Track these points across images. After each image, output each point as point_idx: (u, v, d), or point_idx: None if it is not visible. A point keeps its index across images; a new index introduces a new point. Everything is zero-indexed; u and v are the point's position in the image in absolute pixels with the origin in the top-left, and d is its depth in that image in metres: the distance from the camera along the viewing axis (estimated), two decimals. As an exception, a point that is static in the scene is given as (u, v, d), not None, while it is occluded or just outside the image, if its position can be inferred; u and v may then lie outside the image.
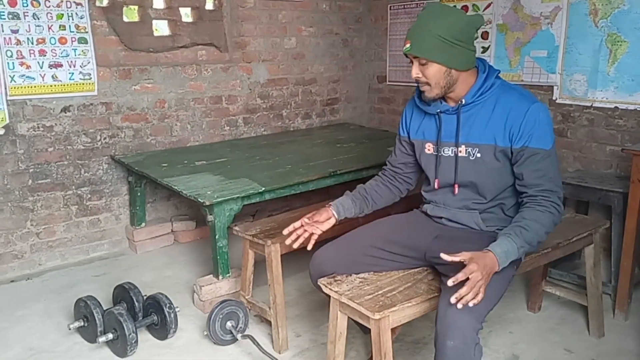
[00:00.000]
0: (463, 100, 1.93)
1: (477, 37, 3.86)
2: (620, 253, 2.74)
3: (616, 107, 3.23)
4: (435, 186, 2.07)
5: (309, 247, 2.08)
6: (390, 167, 2.28)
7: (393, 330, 1.89)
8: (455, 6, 3.97)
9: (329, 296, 1.98)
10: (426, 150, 2.08)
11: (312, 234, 2.08)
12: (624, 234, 2.70)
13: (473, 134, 1.93)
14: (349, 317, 1.97)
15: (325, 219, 2.10)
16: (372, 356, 1.98)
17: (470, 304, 1.58)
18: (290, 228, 2.08)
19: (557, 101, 3.51)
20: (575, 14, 3.33)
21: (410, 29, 1.89)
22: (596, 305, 2.59)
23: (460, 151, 1.96)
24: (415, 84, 2.05)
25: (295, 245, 2.08)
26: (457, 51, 1.85)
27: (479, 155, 1.93)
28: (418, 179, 2.29)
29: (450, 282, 1.60)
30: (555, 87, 3.50)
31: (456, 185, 2.01)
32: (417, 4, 4.34)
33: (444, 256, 1.68)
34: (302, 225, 2.07)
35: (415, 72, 1.91)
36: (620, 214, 2.83)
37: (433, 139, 2.05)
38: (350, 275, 2.03)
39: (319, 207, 2.97)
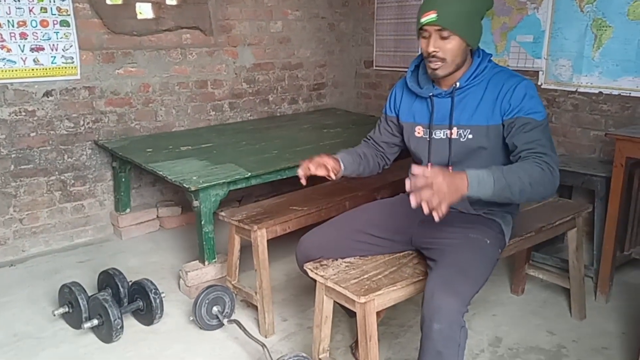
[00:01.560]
0: (457, 84, 1.92)
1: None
2: (603, 237, 2.78)
3: (600, 92, 3.25)
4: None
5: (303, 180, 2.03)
6: (372, 142, 2.28)
7: (378, 313, 1.90)
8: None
9: (315, 280, 1.99)
10: (416, 134, 2.06)
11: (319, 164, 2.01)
12: (606, 218, 2.74)
13: (464, 116, 1.93)
14: (334, 301, 1.98)
15: (333, 166, 2.03)
16: (357, 339, 1.99)
17: (435, 217, 1.51)
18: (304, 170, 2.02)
19: (542, 86, 3.52)
20: (561, -1, 3.34)
21: (429, 1, 1.82)
22: (578, 288, 2.63)
23: (452, 133, 1.96)
24: (414, 61, 2.04)
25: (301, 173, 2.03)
26: (477, 27, 1.86)
27: (470, 136, 1.93)
28: (394, 160, 2.30)
29: (407, 185, 1.53)
30: (540, 72, 3.51)
31: (450, 168, 1.97)
32: (403, -12, 4.31)
33: (414, 168, 1.55)
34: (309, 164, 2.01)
35: (434, 46, 1.83)
36: (603, 198, 2.86)
37: (424, 122, 2.03)
38: (337, 259, 2.04)
39: (305, 192, 2.99)
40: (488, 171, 1.63)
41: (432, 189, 1.49)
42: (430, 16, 1.80)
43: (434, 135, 2.00)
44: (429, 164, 1.98)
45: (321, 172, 2.01)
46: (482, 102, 1.90)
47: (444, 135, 1.98)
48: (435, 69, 1.88)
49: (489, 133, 1.90)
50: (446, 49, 1.83)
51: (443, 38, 1.82)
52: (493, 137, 1.91)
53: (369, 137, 2.30)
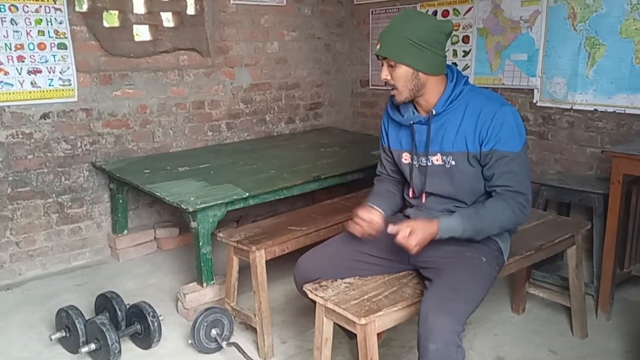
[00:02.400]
0: (433, 111, 1.94)
1: (453, 43, 3.91)
2: (602, 254, 2.77)
3: (595, 109, 3.27)
4: (410, 194, 2.11)
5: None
6: (385, 175, 2.28)
7: (379, 334, 1.89)
8: (435, 11, 4.04)
9: (315, 302, 1.97)
10: (403, 160, 2.10)
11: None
12: (605, 235, 2.73)
13: (446, 143, 1.94)
14: (334, 323, 1.96)
15: (378, 219, 1.99)
16: (358, 361, 1.97)
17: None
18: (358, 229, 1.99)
19: (537, 104, 3.54)
20: (554, 18, 3.37)
21: (382, 32, 1.93)
22: (579, 306, 2.61)
23: (437, 160, 1.97)
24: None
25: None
26: (424, 54, 1.87)
27: (453, 162, 1.94)
28: None
29: (389, 228, 1.81)
30: (535, 90, 3.54)
31: (424, 194, 2.03)
32: (398, 8, 4.36)
33: (390, 229, 1.82)
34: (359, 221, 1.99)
35: (385, 73, 1.93)
36: (601, 215, 2.86)
37: (409, 149, 2.07)
38: (336, 280, 2.03)
39: (304, 212, 2.99)
40: (459, 223, 1.85)
41: (407, 235, 1.79)
42: (377, 47, 1.92)
43: (419, 162, 2.03)
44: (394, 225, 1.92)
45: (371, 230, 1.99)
46: (462, 127, 1.91)
47: (424, 162, 2.00)
48: (392, 95, 1.97)
49: (470, 159, 1.92)
50: (395, 76, 1.91)
51: (391, 66, 1.90)
52: (475, 163, 1.93)
53: (379, 173, 2.31)
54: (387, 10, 4.47)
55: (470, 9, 3.83)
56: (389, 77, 1.92)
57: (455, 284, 1.75)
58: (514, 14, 3.57)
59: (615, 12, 3.10)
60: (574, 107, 3.37)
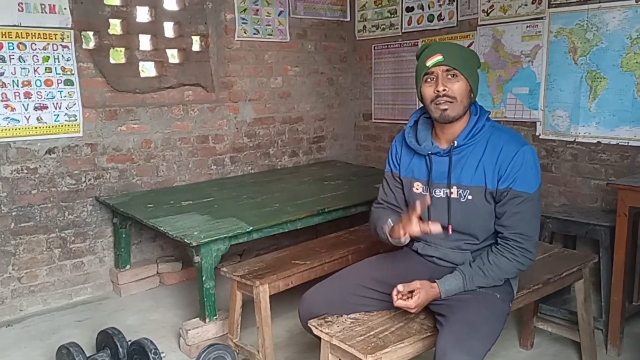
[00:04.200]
0: (455, 142, 1.93)
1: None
2: (610, 287, 2.73)
3: (599, 141, 3.28)
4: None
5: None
6: (387, 205, 2.18)
7: (386, 372, 1.85)
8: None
9: (320, 338, 1.94)
10: (414, 190, 2.06)
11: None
12: (613, 268, 2.70)
13: (464, 176, 1.93)
14: (340, 359, 1.92)
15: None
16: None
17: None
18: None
19: (540, 137, 3.56)
20: (555, 52, 3.42)
21: (433, 49, 1.90)
22: (589, 341, 2.57)
23: (452, 192, 1.95)
24: (412, 116, 2.08)
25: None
26: (477, 77, 1.92)
27: (470, 197, 1.92)
28: None
29: (395, 295, 1.84)
30: (538, 123, 3.56)
31: (450, 227, 1.98)
32: (400, 44, 4.43)
33: (399, 287, 1.84)
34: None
35: (443, 85, 1.86)
36: (608, 248, 2.84)
37: (423, 179, 2.03)
38: (341, 315, 2.00)
39: (308, 246, 2.97)
40: (460, 283, 1.88)
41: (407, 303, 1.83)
42: (437, 58, 1.86)
43: (434, 194, 1.99)
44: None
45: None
46: (482, 163, 1.90)
47: (443, 194, 1.98)
48: (445, 109, 1.88)
49: (487, 195, 1.91)
50: (454, 88, 1.87)
51: (450, 78, 1.86)
52: (491, 200, 1.92)
53: (380, 201, 2.21)
54: (389, 46, 4.54)
55: (471, 44, 3.88)
56: (447, 89, 1.86)
57: (472, 321, 1.73)
58: (515, 48, 3.62)
59: (616, 46, 3.14)
60: (577, 140, 3.38)
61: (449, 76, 1.86)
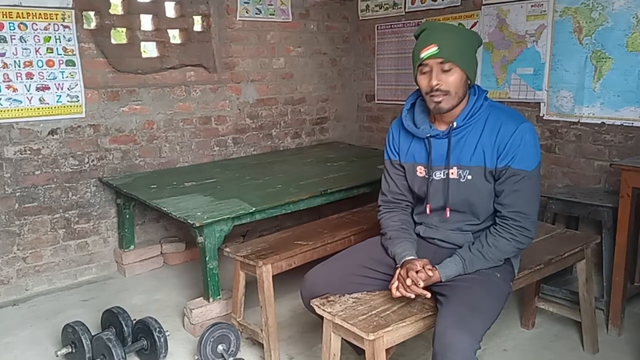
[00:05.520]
0: (454, 124, 1.91)
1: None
2: (612, 268, 2.74)
3: (603, 122, 3.26)
4: (428, 211, 2.04)
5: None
6: (392, 197, 2.15)
7: (387, 350, 1.86)
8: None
9: (322, 317, 1.96)
10: (418, 174, 2.04)
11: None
12: (615, 249, 2.71)
13: (463, 156, 1.92)
14: (342, 338, 1.94)
15: (421, 266, 1.87)
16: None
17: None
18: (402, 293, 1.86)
19: (544, 117, 3.54)
20: (560, 32, 3.38)
21: (428, 36, 1.84)
22: (590, 321, 2.58)
23: (452, 173, 1.94)
24: (408, 100, 2.05)
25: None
26: (473, 61, 1.88)
27: (469, 177, 1.92)
28: None
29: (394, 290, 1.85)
30: (542, 104, 3.53)
31: (448, 209, 1.98)
32: (403, 23, 4.39)
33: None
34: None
35: (437, 79, 1.83)
36: (611, 229, 2.84)
37: (423, 162, 2.02)
38: (343, 295, 2.01)
39: (310, 227, 2.98)
40: (459, 267, 1.87)
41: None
42: (432, 49, 1.81)
43: (433, 176, 1.99)
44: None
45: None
46: (480, 142, 1.89)
47: (443, 176, 1.97)
48: (439, 102, 1.86)
49: (487, 174, 1.90)
50: (449, 81, 1.83)
51: (445, 71, 1.82)
52: (491, 178, 1.91)
53: (384, 193, 2.17)
54: (392, 26, 4.50)
55: (475, 23, 3.84)
56: (441, 82, 1.83)
57: (472, 301, 1.74)
58: (520, 28, 3.58)
59: (621, 26, 3.10)
60: (581, 121, 3.36)
61: (444, 69, 1.82)
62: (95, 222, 3.64)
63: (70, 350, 2.53)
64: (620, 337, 2.73)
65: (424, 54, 1.82)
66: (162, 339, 2.52)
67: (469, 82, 1.89)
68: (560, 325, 2.85)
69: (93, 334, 2.52)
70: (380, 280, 2.04)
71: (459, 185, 1.94)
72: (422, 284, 1.79)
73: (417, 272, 1.83)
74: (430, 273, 1.83)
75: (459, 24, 3.92)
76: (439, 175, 1.98)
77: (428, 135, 1.97)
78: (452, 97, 1.85)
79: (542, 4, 3.44)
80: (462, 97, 1.88)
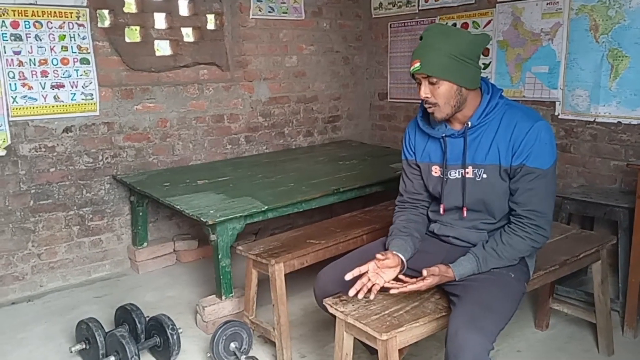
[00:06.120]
0: (469, 123, 1.91)
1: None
2: (628, 269, 2.71)
3: (619, 121, 3.22)
4: (441, 211, 2.04)
5: (371, 297, 1.82)
6: (408, 197, 2.18)
7: (400, 350, 1.85)
8: (454, 23, 4.02)
9: (335, 316, 1.95)
10: (433, 173, 2.05)
11: (374, 284, 1.83)
12: (632, 250, 2.67)
13: (479, 155, 1.91)
14: (355, 338, 1.93)
15: (395, 264, 1.90)
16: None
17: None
18: (356, 272, 1.84)
19: (559, 116, 3.50)
20: (575, 30, 3.34)
21: (417, 49, 1.87)
22: (605, 323, 2.55)
23: (467, 172, 1.94)
24: (420, 103, 2.03)
25: (360, 296, 1.83)
26: (466, 69, 1.84)
27: (485, 176, 1.91)
28: None
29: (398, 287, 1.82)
30: (557, 103, 3.50)
31: (464, 209, 1.98)
32: (417, 21, 4.36)
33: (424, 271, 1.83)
34: (366, 272, 1.85)
35: (425, 92, 1.86)
36: (627, 229, 2.80)
37: (439, 162, 2.02)
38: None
39: (323, 225, 2.97)
40: (473, 266, 1.86)
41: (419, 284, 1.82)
42: (415, 65, 1.84)
43: (449, 176, 1.99)
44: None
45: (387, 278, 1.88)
46: (495, 140, 1.89)
47: (458, 175, 1.97)
48: (432, 113, 1.91)
49: (502, 173, 1.89)
50: (437, 93, 1.85)
51: (432, 84, 1.84)
52: (506, 177, 1.90)
53: (401, 193, 2.20)
54: (405, 24, 4.48)
55: (490, 21, 3.81)
56: (429, 96, 1.86)
57: (485, 301, 1.72)
58: (535, 26, 3.55)
59: (638, 24, 3.06)
60: (597, 120, 3.32)
61: (431, 82, 1.84)
62: (109, 219, 3.67)
63: (84, 346, 2.55)
64: (635, 339, 2.70)
65: (411, 68, 1.87)
66: (175, 336, 2.53)
67: (465, 88, 1.86)
68: (575, 327, 2.83)
69: (106, 330, 2.54)
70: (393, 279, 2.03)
71: (475, 184, 1.93)
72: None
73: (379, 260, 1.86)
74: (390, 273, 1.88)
75: (473, 22, 3.90)
76: (454, 174, 1.97)
77: (443, 135, 1.97)
78: (442, 108, 1.88)
79: (557, 2, 3.41)
80: (457, 105, 1.88)
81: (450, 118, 1.95)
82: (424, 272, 1.81)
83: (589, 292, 2.75)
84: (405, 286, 1.82)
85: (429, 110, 1.92)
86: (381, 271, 1.87)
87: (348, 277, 1.84)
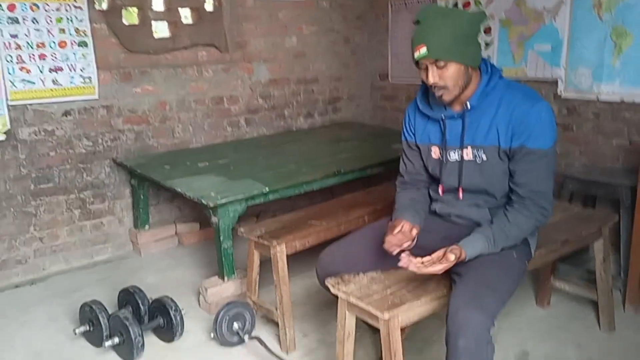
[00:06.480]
0: (468, 105, 1.89)
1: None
2: (630, 247, 2.71)
3: (622, 100, 3.19)
4: (440, 192, 2.05)
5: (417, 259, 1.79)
6: (409, 178, 2.18)
7: (403, 329, 1.86)
8: (456, 2, 3.97)
9: (337, 296, 1.96)
10: (432, 155, 2.05)
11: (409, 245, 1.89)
12: (634, 228, 2.67)
13: (478, 136, 1.90)
14: (357, 317, 1.94)
15: (409, 228, 1.92)
16: (382, 356, 1.95)
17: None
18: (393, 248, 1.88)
19: (562, 95, 3.47)
20: (579, 8, 3.30)
21: (418, 34, 1.82)
22: (606, 300, 2.56)
23: (467, 154, 1.93)
24: (421, 85, 2.02)
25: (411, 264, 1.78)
26: (470, 48, 1.83)
27: (484, 157, 1.91)
28: None
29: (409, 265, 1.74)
30: (560, 81, 3.47)
31: (460, 189, 1.98)
32: (418, 1, 4.31)
33: (427, 259, 1.76)
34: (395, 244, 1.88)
35: (434, 77, 1.82)
36: (629, 208, 2.80)
37: (438, 143, 2.02)
38: (358, 274, 2.01)
39: (324, 207, 2.97)
40: (484, 246, 1.81)
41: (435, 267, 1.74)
42: (422, 51, 1.80)
43: (448, 157, 1.98)
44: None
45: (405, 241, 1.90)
46: (495, 121, 1.87)
47: (458, 157, 1.96)
48: (441, 96, 1.88)
49: (501, 153, 1.88)
50: (445, 76, 1.82)
51: (440, 68, 1.81)
52: (505, 158, 1.89)
53: (401, 174, 2.20)
54: (406, 3, 4.43)
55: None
56: (438, 80, 1.83)
57: (486, 279, 1.72)
58: (537, 4, 3.50)
59: (643, 0, 3.02)
60: (600, 98, 3.30)
61: (439, 66, 1.80)
62: (110, 202, 3.67)
63: (88, 328, 2.57)
64: (636, 316, 2.71)
65: (416, 55, 1.82)
66: (178, 317, 2.54)
67: (470, 67, 1.85)
68: (576, 304, 2.84)
69: (110, 312, 2.55)
70: (394, 258, 2.03)
71: (475, 166, 1.93)
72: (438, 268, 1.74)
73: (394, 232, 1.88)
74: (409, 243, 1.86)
75: (475, 0, 3.85)
76: (453, 156, 1.97)
77: (443, 116, 1.95)
78: (452, 90, 1.85)
79: (560, -22, 3.36)
80: (464, 85, 1.86)
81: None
82: (448, 254, 1.74)
83: (591, 270, 2.76)
84: (425, 266, 1.73)
85: (437, 94, 1.87)
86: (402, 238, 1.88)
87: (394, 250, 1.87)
